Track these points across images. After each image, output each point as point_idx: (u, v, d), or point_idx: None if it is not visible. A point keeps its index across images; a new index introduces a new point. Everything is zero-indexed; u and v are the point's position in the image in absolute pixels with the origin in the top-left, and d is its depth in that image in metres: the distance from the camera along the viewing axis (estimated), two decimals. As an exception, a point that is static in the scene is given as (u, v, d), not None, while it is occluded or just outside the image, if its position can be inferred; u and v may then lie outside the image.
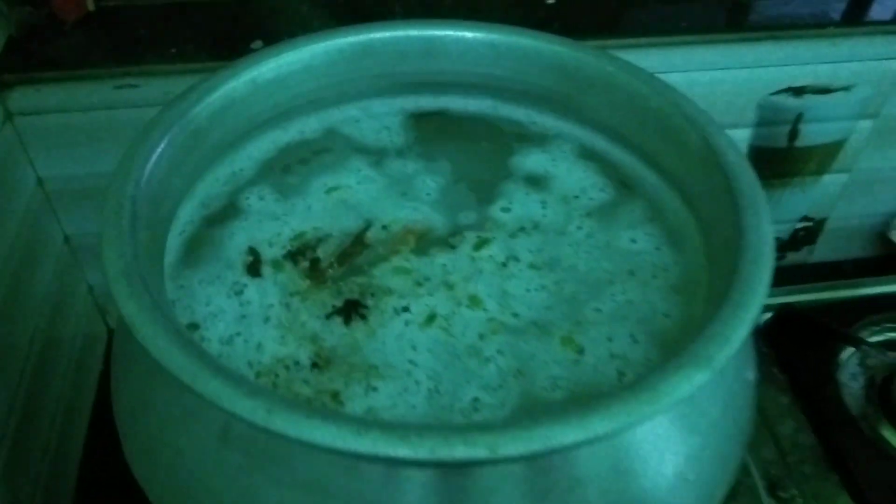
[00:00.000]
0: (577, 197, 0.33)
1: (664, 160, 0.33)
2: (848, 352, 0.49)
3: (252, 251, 0.30)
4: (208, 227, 0.31)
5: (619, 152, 0.35)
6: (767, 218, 0.26)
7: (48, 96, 0.47)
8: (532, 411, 0.25)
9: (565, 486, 0.23)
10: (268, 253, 0.30)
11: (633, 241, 0.31)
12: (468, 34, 0.36)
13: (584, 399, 0.24)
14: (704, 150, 0.30)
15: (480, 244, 0.31)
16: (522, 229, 0.32)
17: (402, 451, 0.19)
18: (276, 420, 0.20)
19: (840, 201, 0.64)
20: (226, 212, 0.32)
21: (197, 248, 0.30)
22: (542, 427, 0.20)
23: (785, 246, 0.66)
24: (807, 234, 0.66)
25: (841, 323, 0.50)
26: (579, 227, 0.32)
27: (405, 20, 0.36)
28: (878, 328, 0.51)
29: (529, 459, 0.21)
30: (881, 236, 0.67)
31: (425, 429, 0.19)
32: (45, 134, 0.49)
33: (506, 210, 0.33)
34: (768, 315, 0.53)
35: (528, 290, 0.30)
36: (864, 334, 0.50)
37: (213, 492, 0.24)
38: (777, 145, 0.58)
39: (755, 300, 0.23)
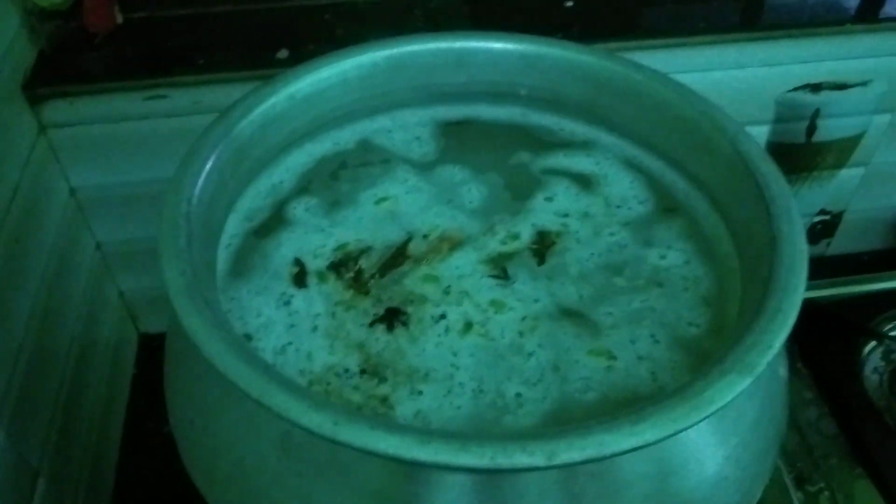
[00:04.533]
0: (618, 207, 0.34)
1: (694, 168, 0.34)
2: (871, 345, 0.50)
3: (297, 262, 0.31)
4: (255, 238, 0.32)
5: (649, 159, 0.36)
6: (800, 225, 0.27)
7: (80, 108, 0.48)
8: (583, 417, 0.26)
9: (609, 490, 0.24)
10: (312, 264, 0.31)
11: (663, 257, 0.32)
12: (498, 45, 0.36)
13: (629, 402, 0.24)
14: (734, 157, 0.30)
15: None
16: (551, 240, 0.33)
17: (463, 459, 0.20)
18: (343, 431, 0.21)
19: (857, 195, 0.64)
20: (272, 223, 0.33)
21: (244, 259, 0.31)
22: (595, 435, 0.21)
23: (803, 240, 0.67)
24: (824, 227, 0.66)
25: (862, 317, 0.51)
26: (612, 234, 0.33)
27: (436, 32, 0.37)
28: (899, 322, 0.52)
29: (577, 464, 0.22)
30: (897, 228, 0.68)
31: (484, 438, 0.20)
32: (78, 145, 0.50)
33: (534, 224, 0.34)
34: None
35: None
36: (886, 328, 0.51)
37: (272, 498, 0.25)
38: (795, 141, 0.59)
39: (793, 307, 0.24)
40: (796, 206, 0.28)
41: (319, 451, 0.24)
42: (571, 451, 0.20)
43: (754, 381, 0.23)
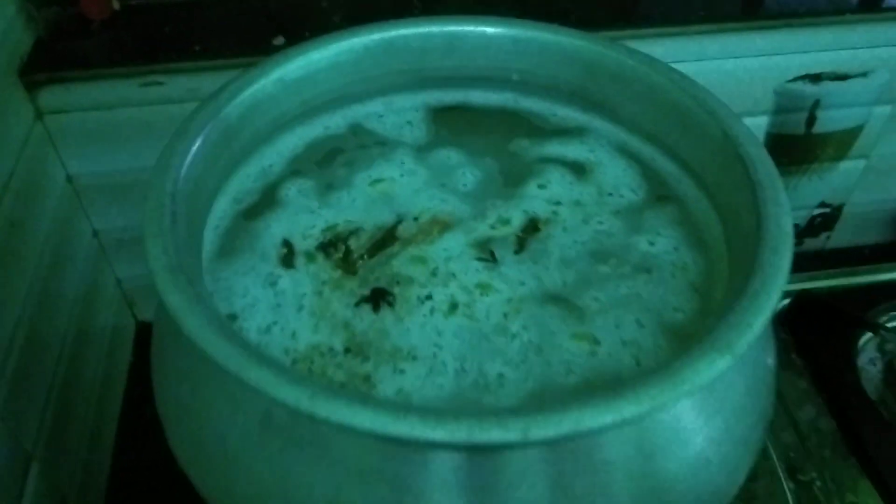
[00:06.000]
0: (610, 194, 0.34)
1: (686, 153, 0.33)
2: (866, 337, 0.50)
3: (286, 243, 0.31)
4: (244, 220, 0.32)
5: (642, 145, 0.36)
6: (786, 208, 0.27)
7: (77, 95, 0.48)
8: (561, 395, 0.26)
9: (592, 469, 0.24)
10: (301, 245, 0.31)
11: (651, 243, 0.32)
12: (489, 29, 0.36)
13: (610, 384, 0.24)
14: (724, 141, 0.30)
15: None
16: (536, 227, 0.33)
17: (438, 434, 0.20)
18: (319, 406, 0.21)
19: (857, 187, 0.64)
20: (263, 205, 0.33)
21: (232, 241, 0.31)
22: (572, 411, 0.21)
23: (802, 232, 0.66)
24: (824, 220, 0.66)
25: (859, 308, 0.51)
26: (600, 223, 0.33)
27: (428, 16, 0.37)
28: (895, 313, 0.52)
29: (558, 442, 0.22)
30: (898, 222, 0.67)
31: (461, 413, 0.20)
32: (74, 132, 0.50)
33: (525, 211, 0.34)
34: (786, 301, 0.53)
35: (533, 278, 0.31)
36: (882, 319, 0.51)
37: (253, 474, 0.25)
38: (795, 132, 0.58)
39: (774, 288, 0.24)
40: (782, 187, 0.28)
41: (301, 427, 0.24)
42: (548, 426, 0.20)
43: (737, 365, 0.23)
